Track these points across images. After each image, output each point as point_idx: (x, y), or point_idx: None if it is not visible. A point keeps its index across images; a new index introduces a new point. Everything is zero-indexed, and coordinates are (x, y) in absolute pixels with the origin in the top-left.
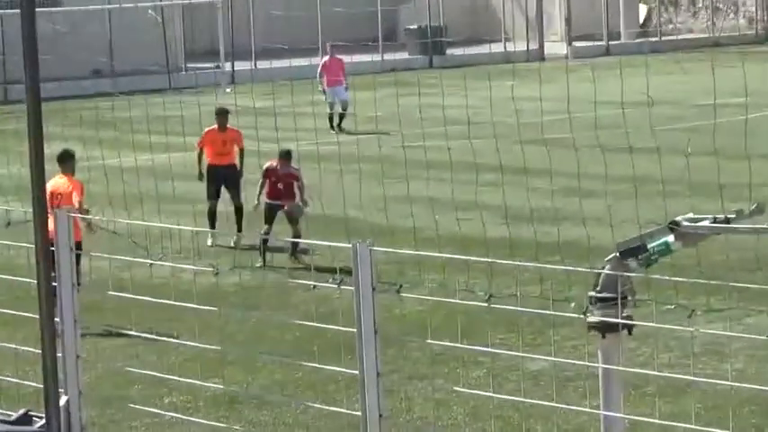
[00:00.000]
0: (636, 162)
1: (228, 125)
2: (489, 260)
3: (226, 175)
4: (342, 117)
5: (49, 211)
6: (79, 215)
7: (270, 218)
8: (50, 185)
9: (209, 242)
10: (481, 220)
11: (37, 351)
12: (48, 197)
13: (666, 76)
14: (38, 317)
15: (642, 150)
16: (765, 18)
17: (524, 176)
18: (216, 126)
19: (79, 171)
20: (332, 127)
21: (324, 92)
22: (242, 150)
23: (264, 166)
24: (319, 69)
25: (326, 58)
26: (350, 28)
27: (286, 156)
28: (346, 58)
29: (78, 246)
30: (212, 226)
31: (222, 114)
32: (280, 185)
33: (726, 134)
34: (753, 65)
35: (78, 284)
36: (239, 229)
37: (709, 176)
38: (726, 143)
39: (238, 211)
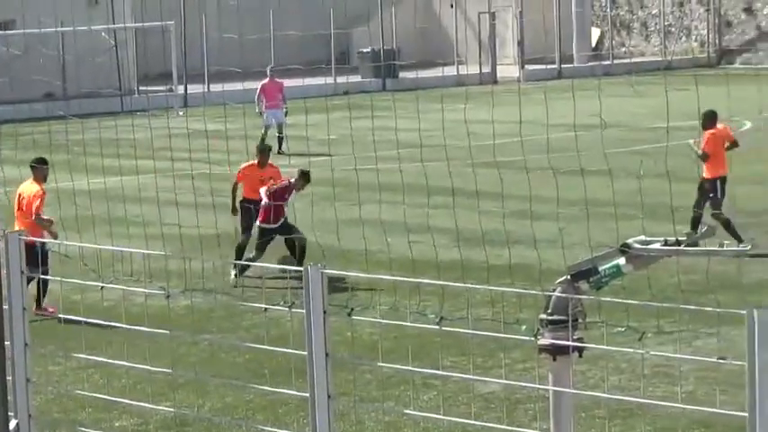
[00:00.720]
0: (588, 185)
1: (255, 161)
2: (441, 283)
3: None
4: (280, 140)
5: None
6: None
7: (264, 244)
8: (21, 187)
9: (232, 278)
10: (433, 243)
11: None
12: (16, 198)
13: (619, 98)
14: None
15: (594, 173)
16: (717, 42)
17: (476, 199)
18: (256, 162)
19: None
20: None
21: (261, 114)
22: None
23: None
24: (258, 92)
25: (265, 81)
26: (303, 51)
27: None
28: (299, 81)
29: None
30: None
31: (265, 151)
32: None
33: (678, 157)
34: (705, 87)
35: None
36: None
37: (661, 199)
38: (678, 166)
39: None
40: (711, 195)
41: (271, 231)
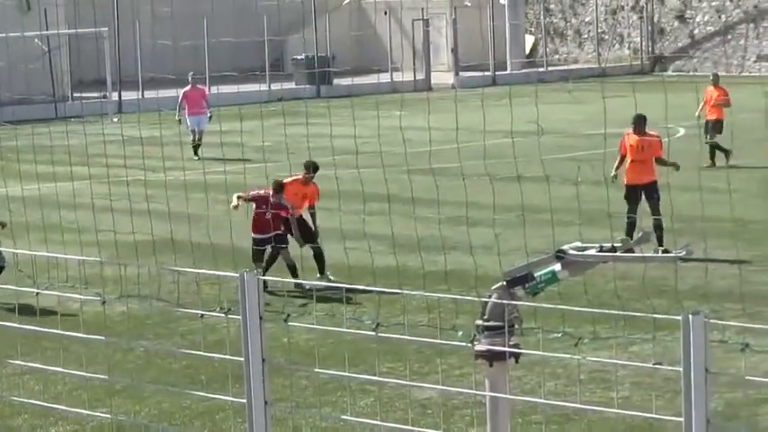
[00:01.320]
0: (524, 191)
1: (300, 177)
2: (377, 289)
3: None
4: (196, 147)
5: None
6: None
7: (259, 255)
8: None
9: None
10: (369, 250)
11: None
12: None
13: (554, 105)
14: None
15: (530, 179)
16: (650, 49)
17: (412, 206)
18: (302, 178)
19: None
20: (195, 153)
21: (180, 121)
22: (313, 206)
23: (253, 192)
24: (180, 99)
25: (187, 87)
26: (237, 58)
27: (278, 188)
28: (233, 88)
29: None
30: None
31: (313, 169)
32: (268, 216)
33: (613, 163)
34: (640, 94)
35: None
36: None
37: (597, 206)
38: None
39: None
40: (655, 198)
41: (266, 242)
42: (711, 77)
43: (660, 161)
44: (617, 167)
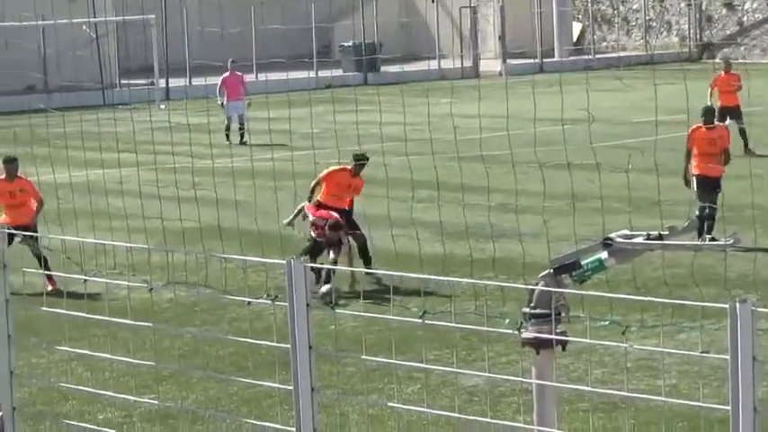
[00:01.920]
0: (573, 179)
1: (348, 167)
2: (424, 276)
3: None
4: (242, 130)
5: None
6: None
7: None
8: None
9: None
10: (416, 237)
11: None
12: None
13: (602, 92)
14: None
15: (580, 167)
16: (698, 36)
17: (461, 193)
18: (351, 169)
19: None
20: (227, 138)
21: (223, 105)
22: (351, 201)
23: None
24: (219, 85)
25: (226, 74)
26: (285, 45)
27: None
28: (281, 75)
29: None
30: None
31: (362, 160)
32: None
33: (663, 151)
34: (690, 82)
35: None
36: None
37: (647, 193)
38: (663, 160)
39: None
40: (717, 190)
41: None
42: (723, 64)
43: (726, 154)
44: (687, 168)
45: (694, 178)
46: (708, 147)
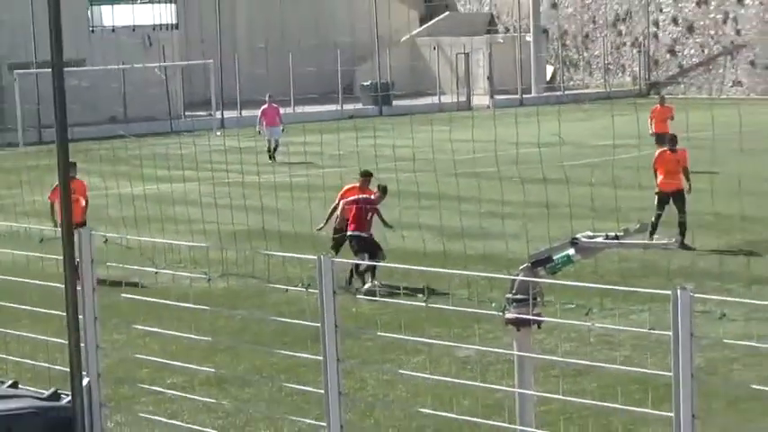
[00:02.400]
0: (547, 190)
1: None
2: (427, 269)
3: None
4: (275, 150)
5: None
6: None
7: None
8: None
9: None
10: (422, 237)
11: (64, 341)
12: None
13: (570, 122)
14: (65, 314)
15: (552, 181)
16: (647, 76)
17: (457, 202)
18: (358, 185)
19: (97, 198)
20: (270, 158)
21: (260, 132)
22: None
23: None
24: (259, 115)
25: (265, 106)
26: (317, 83)
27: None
28: (314, 108)
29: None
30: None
31: (367, 176)
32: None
33: (619, 168)
34: (638, 114)
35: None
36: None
37: (606, 202)
38: (619, 175)
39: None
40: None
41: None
42: (659, 99)
43: (686, 172)
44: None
45: (658, 194)
46: (673, 166)
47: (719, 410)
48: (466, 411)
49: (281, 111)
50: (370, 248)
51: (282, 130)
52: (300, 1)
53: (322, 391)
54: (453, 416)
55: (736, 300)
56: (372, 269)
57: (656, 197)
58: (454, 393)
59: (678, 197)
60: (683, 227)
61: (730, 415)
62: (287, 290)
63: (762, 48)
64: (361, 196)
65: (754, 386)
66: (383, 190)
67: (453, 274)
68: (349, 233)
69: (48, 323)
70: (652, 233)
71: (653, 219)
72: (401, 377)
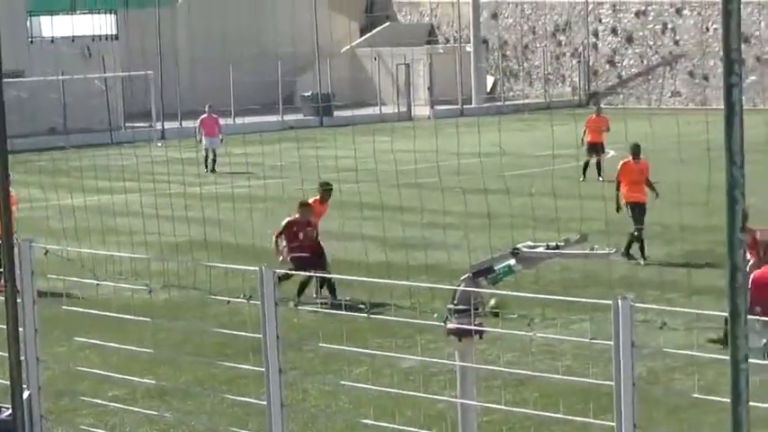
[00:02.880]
0: (489, 200)
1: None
2: (370, 279)
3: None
4: (214, 161)
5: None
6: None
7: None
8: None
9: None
10: (364, 248)
11: (4, 354)
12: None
13: (510, 132)
14: (5, 327)
15: (493, 191)
16: (586, 87)
17: (399, 212)
18: (319, 198)
19: (38, 209)
20: (206, 167)
21: (200, 141)
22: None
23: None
24: (198, 124)
25: (204, 116)
26: (258, 94)
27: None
28: (255, 119)
29: None
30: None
31: (327, 190)
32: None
33: (559, 178)
34: (579, 124)
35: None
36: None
37: (546, 212)
38: (559, 185)
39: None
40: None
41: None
42: (595, 109)
43: (648, 183)
44: (618, 196)
45: (627, 206)
46: (637, 176)
47: (660, 419)
48: (408, 422)
49: (221, 122)
50: (313, 264)
51: (221, 141)
52: (241, 12)
53: (264, 403)
54: (396, 426)
55: (677, 309)
56: (322, 282)
57: (628, 209)
58: (396, 404)
59: (639, 209)
60: (641, 240)
61: (671, 424)
62: (229, 301)
63: (700, 58)
64: (289, 219)
65: (694, 395)
66: (326, 186)
67: (396, 284)
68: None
69: None
70: (642, 249)
71: (635, 233)
72: (343, 388)
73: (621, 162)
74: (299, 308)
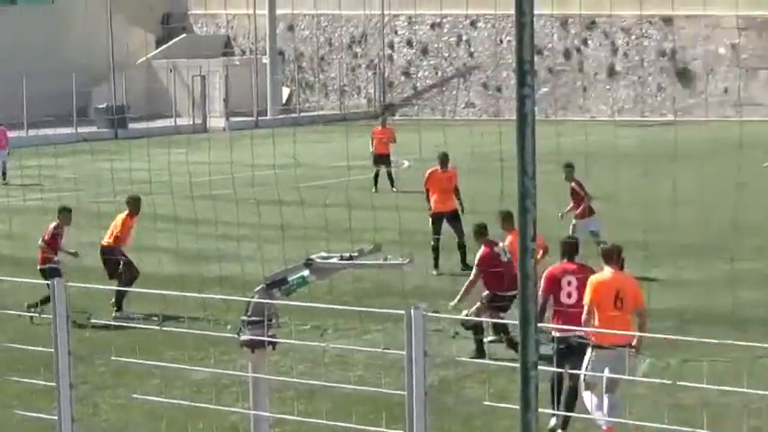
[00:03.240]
0: (283, 212)
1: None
2: (164, 292)
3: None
4: (4, 174)
5: None
6: None
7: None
8: None
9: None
10: (158, 260)
11: None
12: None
13: (307, 143)
14: None
15: (288, 203)
16: (382, 98)
17: (194, 225)
18: (128, 212)
19: None
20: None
21: None
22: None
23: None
24: None
25: None
26: (52, 106)
27: None
28: (49, 131)
29: None
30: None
31: (135, 202)
32: None
33: (353, 189)
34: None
35: None
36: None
37: (340, 224)
38: (353, 196)
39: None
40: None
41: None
42: (380, 121)
43: (456, 192)
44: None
45: (431, 217)
46: (446, 185)
47: (452, 427)
48: None
49: (10, 134)
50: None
51: (9, 154)
52: (36, 22)
53: (56, 418)
54: None
55: (471, 319)
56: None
57: (431, 220)
58: (189, 416)
59: (453, 218)
60: (462, 248)
61: (463, 431)
62: (20, 315)
63: (494, 70)
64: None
65: (485, 402)
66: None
67: (189, 296)
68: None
69: None
70: (436, 260)
71: (432, 243)
72: (136, 401)
73: (428, 171)
74: (92, 321)
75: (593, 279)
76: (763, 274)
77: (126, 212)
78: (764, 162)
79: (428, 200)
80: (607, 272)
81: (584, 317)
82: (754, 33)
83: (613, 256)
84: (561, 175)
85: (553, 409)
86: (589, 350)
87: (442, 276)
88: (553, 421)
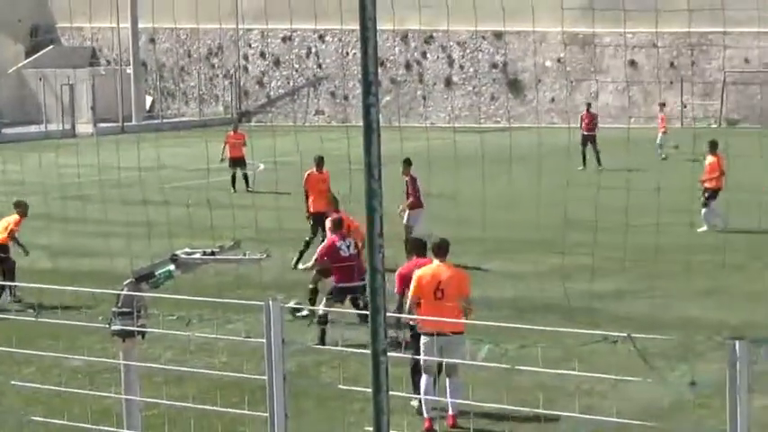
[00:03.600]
0: (149, 211)
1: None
2: (39, 285)
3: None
4: None
5: None
6: None
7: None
8: None
9: None
10: (34, 256)
11: None
12: None
13: (169, 148)
14: None
15: (153, 203)
16: (238, 106)
17: (65, 223)
18: (19, 218)
19: None
20: None
21: None
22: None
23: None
24: None
25: None
26: None
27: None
28: None
29: None
30: None
31: (21, 206)
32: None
33: (213, 190)
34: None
35: None
36: None
37: (203, 221)
38: (213, 196)
39: None
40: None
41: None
42: (233, 125)
43: (329, 192)
44: (308, 205)
45: (311, 217)
46: (321, 185)
47: (310, 409)
48: (77, 418)
49: None
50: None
51: None
52: None
53: None
54: (64, 422)
55: (323, 309)
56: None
57: (312, 219)
58: (65, 402)
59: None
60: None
61: (320, 413)
62: None
63: (341, 80)
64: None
65: (340, 386)
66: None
67: (63, 290)
68: None
69: None
70: (301, 254)
71: (306, 239)
72: (13, 388)
73: (306, 173)
74: None
75: (417, 272)
76: (589, 266)
77: (15, 216)
78: (663, 155)
79: (306, 200)
80: (432, 265)
81: (406, 307)
82: (577, 48)
83: (441, 249)
84: (401, 171)
85: (414, 392)
86: (422, 338)
87: (297, 270)
88: (415, 403)
